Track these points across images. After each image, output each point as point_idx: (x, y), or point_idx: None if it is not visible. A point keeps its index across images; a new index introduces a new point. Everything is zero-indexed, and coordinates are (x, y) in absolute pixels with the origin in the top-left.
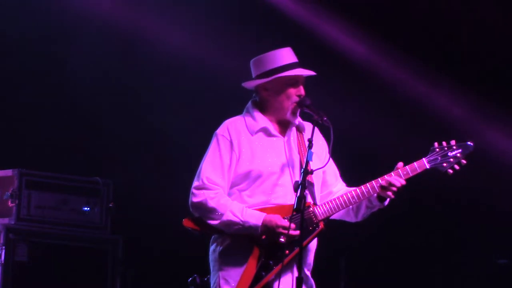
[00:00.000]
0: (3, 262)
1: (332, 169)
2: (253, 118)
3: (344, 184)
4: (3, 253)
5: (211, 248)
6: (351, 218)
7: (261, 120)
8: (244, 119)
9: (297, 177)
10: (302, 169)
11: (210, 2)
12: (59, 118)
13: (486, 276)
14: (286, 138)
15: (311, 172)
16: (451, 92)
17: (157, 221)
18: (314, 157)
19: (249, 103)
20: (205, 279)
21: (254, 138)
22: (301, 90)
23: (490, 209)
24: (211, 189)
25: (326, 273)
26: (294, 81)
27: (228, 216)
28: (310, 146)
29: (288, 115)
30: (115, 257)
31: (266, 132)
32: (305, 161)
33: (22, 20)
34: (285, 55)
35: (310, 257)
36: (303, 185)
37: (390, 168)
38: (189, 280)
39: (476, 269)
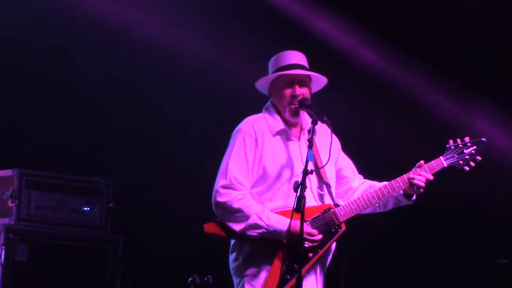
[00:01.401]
0: (3, 262)
1: (348, 165)
2: (274, 118)
3: (361, 177)
4: (3, 253)
5: (232, 256)
6: (377, 211)
7: (280, 122)
8: (265, 118)
9: (314, 181)
10: (314, 170)
11: (211, 2)
12: (59, 118)
13: (486, 276)
14: (301, 142)
15: (311, 172)
16: (455, 94)
17: (157, 221)
18: (325, 155)
19: (269, 103)
20: (205, 279)
21: (274, 139)
22: (296, 91)
23: (490, 209)
24: (238, 190)
25: (327, 276)
26: (289, 82)
27: (254, 219)
28: (310, 146)
29: (287, 116)
30: (115, 257)
31: (285, 134)
32: (320, 163)
33: (23, 20)
34: (286, 57)
35: (329, 258)
36: (303, 185)
37: (399, 169)
38: (189, 280)
39: (476, 269)
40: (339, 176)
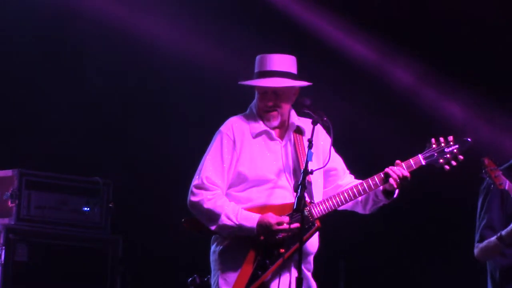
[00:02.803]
0: (3, 262)
1: (337, 163)
2: (255, 119)
3: (352, 177)
4: (3, 253)
5: (212, 248)
6: (360, 210)
7: (261, 124)
8: (248, 119)
9: (294, 181)
10: (302, 169)
11: (212, 2)
12: (59, 118)
13: (485, 276)
14: (284, 142)
15: (311, 172)
16: (454, 92)
17: (157, 221)
18: (314, 156)
19: (253, 103)
20: (205, 279)
21: (255, 141)
22: (269, 103)
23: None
24: (210, 189)
25: (326, 275)
26: (264, 91)
27: (223, 221)
28: (310, 146)
29: (266, 122)
30: (115, 257)
31: (267, 135)
32: (303, 164)
33: (22, 20)
34: (268, 62)
35: (310, 258)
36: (303, 185)
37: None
38: (189, 280)
39: (476, 269)
40: (328, 175)
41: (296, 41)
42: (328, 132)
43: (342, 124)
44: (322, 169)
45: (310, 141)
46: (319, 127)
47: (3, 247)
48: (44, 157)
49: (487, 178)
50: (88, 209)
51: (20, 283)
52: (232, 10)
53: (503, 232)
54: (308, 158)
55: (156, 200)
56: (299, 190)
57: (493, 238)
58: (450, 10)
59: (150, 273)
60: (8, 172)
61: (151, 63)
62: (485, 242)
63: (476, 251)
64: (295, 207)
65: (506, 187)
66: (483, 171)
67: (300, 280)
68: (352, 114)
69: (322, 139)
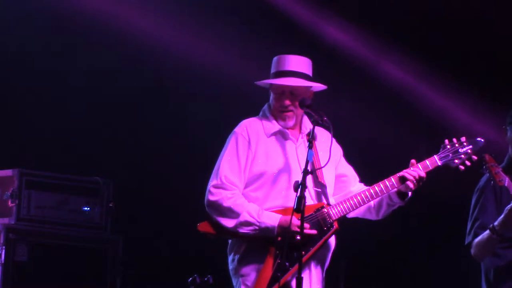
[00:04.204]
0: (3, 262)
1: (348, 171)
2: (269, 120)
3: (362, 184)
4: (3, 253)
5: (230, 257)
6: (372, 216)
7: (276, 125)
8: (261, 121)
9: (310, 181)
10: (316, 168)
11: (214, 3)
12: (59, 118)
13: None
14: (298, 143)
15: (311, 172)
16: (454, 93)
17: (158, 221)
18: (324, 158)
19: (266, 106)
20: (205, 279)
21: (269, 139)
22: (285, 102)
23: None
24: (229, 189)
25: (326, 275)
26: (280, 91)
27: (245, 217)
28: (310, 146)
29: (280, 122)
30: (115, 257)
31: (281, 135)
32: (317, 166)
33: (21, 21)
34: (285, 62)
35: (328, 256)
36: (303, 185)
37: (396, 170)
38: (189, 280)
39: (476, 270)
40: (339, 181)
41: (296, 41)
42: (329, 132)
43: (342, 125)
44: (334, 174)
45: (310, 141)
46: (326, 131)
47: (3, 247)
48: (44, 157)
49: (484, 177)
50: (88, 209)
51: (20, 283)
52: (233, 10)
53: (496, 223)
54: (309, 158)
55: (156, 200)
56: (299, 190)
57: (486, 231)
58: (450, 7)
59: (150, 273)
60: (8, 172)
61: (152, 63)
62: (479, 237)
63: (472, 249)
64: (295, 207)
65: (506, 184)
66: (484, 167)
67: (299, 280)
68: (353, 115)
69: (334, 143)
